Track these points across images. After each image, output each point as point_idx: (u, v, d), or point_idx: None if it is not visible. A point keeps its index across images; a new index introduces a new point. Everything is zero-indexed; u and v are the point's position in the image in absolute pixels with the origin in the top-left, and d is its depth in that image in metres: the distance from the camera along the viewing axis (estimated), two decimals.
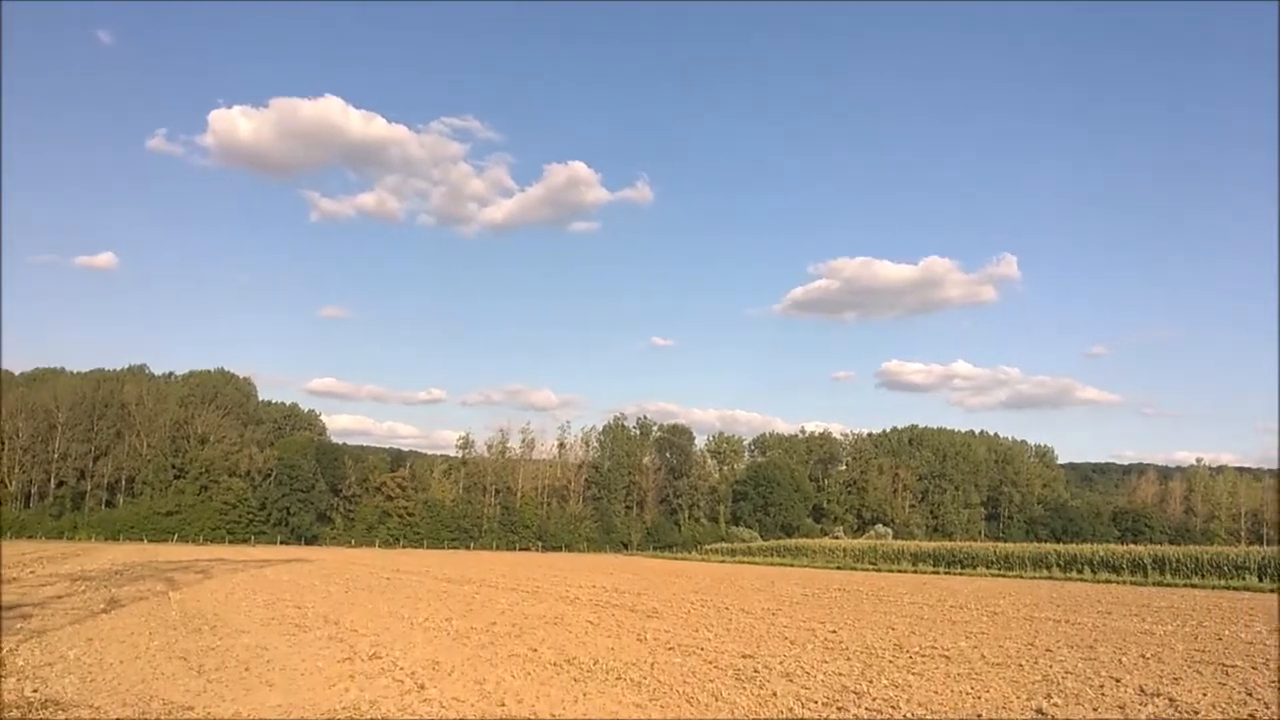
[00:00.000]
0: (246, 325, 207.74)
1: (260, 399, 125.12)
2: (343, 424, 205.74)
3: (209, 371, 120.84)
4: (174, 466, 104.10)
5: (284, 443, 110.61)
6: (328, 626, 17.56)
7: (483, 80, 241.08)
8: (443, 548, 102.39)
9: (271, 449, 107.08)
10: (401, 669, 12.33)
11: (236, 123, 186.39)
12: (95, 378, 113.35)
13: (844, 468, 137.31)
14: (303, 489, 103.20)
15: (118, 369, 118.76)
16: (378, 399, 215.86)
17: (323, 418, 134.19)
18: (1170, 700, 10.68)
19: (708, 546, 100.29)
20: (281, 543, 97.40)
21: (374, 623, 18.33)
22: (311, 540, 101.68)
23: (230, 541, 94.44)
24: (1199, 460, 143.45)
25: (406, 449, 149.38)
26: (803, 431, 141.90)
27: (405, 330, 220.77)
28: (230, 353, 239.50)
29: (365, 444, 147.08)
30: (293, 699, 10.38)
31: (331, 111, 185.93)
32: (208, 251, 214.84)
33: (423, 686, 11.04)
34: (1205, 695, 11.03)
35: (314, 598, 24.88)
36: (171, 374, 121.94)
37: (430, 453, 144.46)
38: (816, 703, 10.33)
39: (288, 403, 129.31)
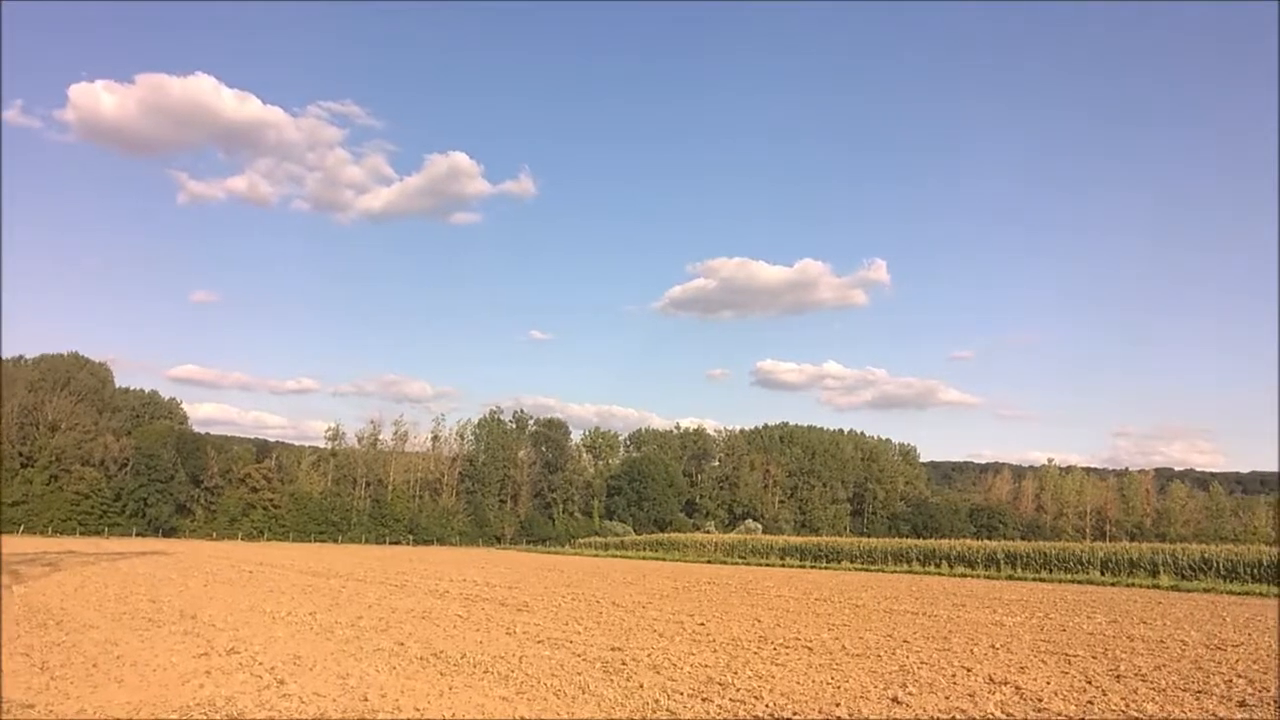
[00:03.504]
0: (105, 308, 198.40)
1: (118, 385, 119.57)
2: (206, 413, 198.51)
3: (61, 355, 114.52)
4: (21, 454, 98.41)
5: (142, 431, 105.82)
6: (184, 621, 16.93)
7: (364, 65, 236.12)
8: (310, 541, 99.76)
9: (129, 438, 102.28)
10: (261, 664, 11.98)
11: (99, 98, 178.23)
12: None
13: (717, 463, 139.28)
14: (161, 479, 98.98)
15: None
16: (244, 388, 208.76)
17: (185, 406, 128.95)
18: (1016, 688, 11.19)
19: (581, 540, 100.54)
20: (138, 535, 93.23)
21: (233, 617, 17.76)
22: (170, 533, 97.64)
23: (82, 534, 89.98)
24: (1050, 460, 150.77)
25: (273, 439, 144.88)
26: (678, 427, 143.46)
27: (276, 318, 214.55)
28: (86, 337, 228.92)
29: (229, 434, 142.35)
30: (143, 696, 9.97)
31: (203, 90, 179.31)
32: (65, 230, 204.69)
33: (283, 682, 10.75)
34: (1049, 683, 11.59)
35: (170, 591, 23.95)
36: (21, 357, 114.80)
37: (298, 444, 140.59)
38: (682, 694, 10.46)
39: (147, 390, 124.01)
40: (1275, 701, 10.58)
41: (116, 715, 9.09)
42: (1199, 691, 11.17)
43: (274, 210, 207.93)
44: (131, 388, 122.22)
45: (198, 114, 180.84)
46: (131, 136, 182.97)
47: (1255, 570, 38.50)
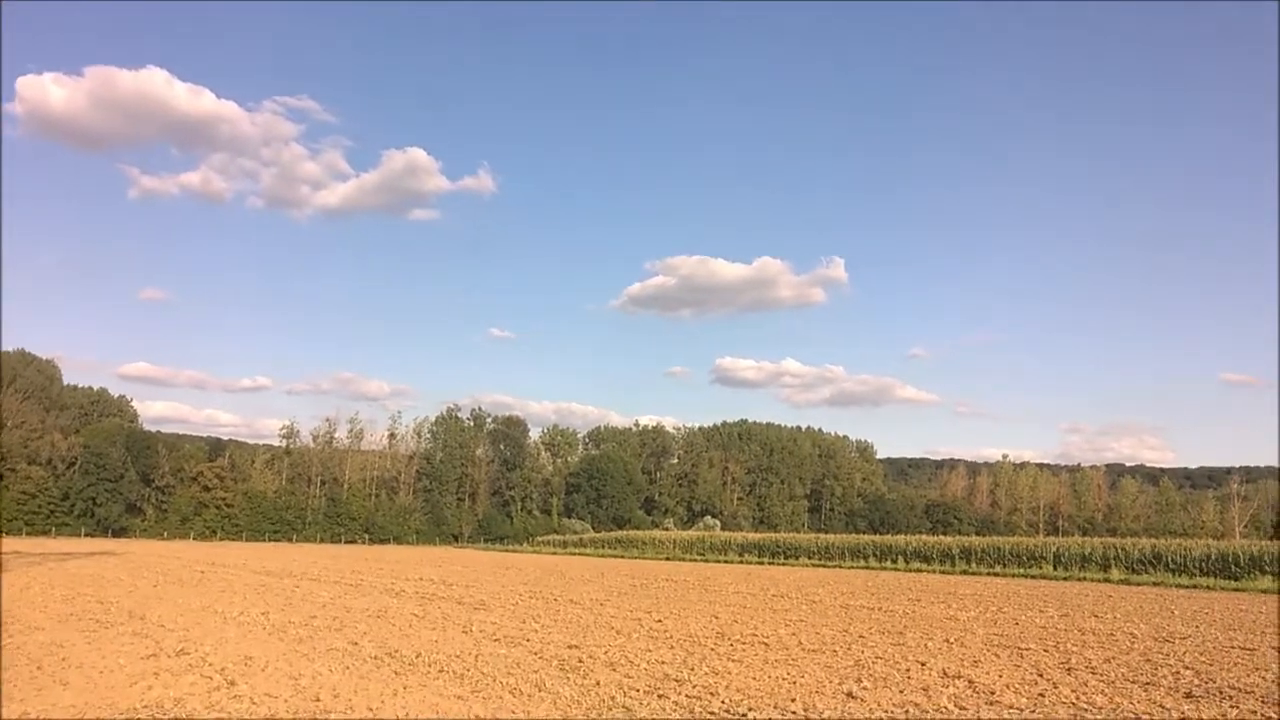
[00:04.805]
0: (53, 305, 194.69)
1: (65, 383, 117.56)
2: (158, 411, 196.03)
3: (8, 353, 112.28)
4: None
5: (91, 429, 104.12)
6: (132, 622, 16.63)
7: (321, 60, 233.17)
8: (263, 540, 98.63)
9: (77, 436, 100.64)
10: (211, 665, 11.79)
11: (48, 90, 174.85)
12: None
13: (676, 461, 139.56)
14: (111, 478, 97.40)
15: None
16: (197, 385, 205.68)
17: (135, 404, 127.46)
18: (969, 682, 11.28)
19: (539, 538, 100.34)
20: (86, 535, 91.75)
21: (184, 618, 17.48)
22: (120, 533, 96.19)
23: (28, 534, 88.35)
24: (1004, 456, 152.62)
25: (226, 438, 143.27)
26: (636, 425, 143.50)
27: (230, 315, 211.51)
28: (33, 333, 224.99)
29: (182, 432, 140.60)
30: (89, 698, 9.76)
31: (154, 84, 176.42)
32: (12, 225, 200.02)
33: (233, 683, 10.58)
34: (1001, 677, 11.71)
35: (119, 592, 23.53)
36: None
37: (252, 442, 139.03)
38: (639, 691, 10.44)
39: (96, 388, 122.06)
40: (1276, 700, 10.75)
41: (61, 718, 8.90)
42: (1147, 683, 11.34)
43: (228, 206, 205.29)
44: (80, 385, 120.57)
45: (149, 108, 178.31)
46: (81, 130, 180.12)
47: (1203, 564, 39.26)
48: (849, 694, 10.41)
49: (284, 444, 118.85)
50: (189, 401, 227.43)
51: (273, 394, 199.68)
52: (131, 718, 8.87)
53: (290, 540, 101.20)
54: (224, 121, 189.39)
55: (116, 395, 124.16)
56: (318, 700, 9.70)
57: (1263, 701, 10.23)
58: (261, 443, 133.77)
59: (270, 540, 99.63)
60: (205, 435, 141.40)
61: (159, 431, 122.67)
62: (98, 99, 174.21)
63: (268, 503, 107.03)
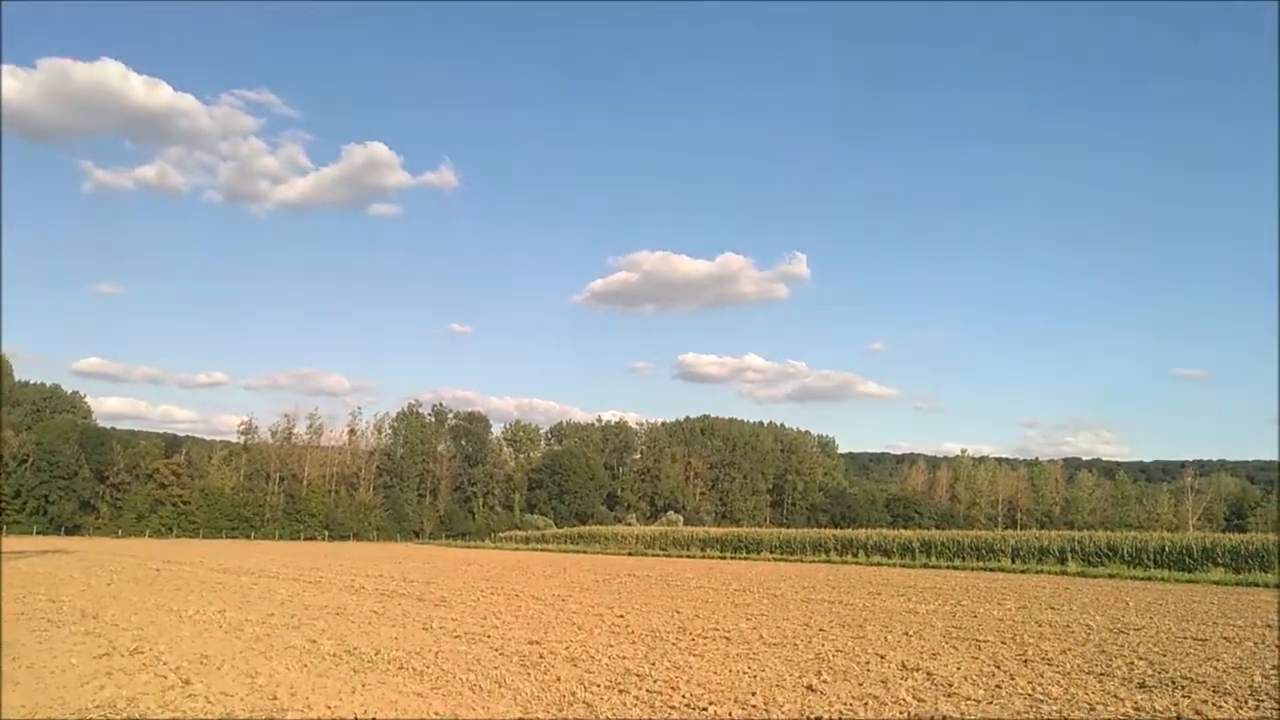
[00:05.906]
0: (4, 299, 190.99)
1: (17, 379, 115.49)
2: (112, 407, 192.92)
3: None
4: None
5: (43, 426, 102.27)
6: (85, 621, 16.35)
7: (281, 53, 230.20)
8: (221, 538, 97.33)
9: (29, 433, 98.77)
10: (165, 664, 11.61)
11: None
12: None
13: (638, 456, 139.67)
14: (64, 476, 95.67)
15: None
16: (153, 381, 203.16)
17: (89, 400, 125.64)
18: (928, 674, 11.38)
19: (502, 534, 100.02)
20: (38, 533, 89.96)
21: (138, 616, 17.21)
22: (73, 530, 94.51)
23: None
24: (963, 451, 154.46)
25: (183, 434, 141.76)
26: (599, 420, 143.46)
27: (186, 310, 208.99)
28: None
29: (137, 428, 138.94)
30: (39, 699, 9.58)
31: (109, 76, 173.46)
32: None
33: (188, 682, 10.43)
34: (959, 669, 11.82)
35: (71, 591, 23.15)
36: None
37: (209, 438, 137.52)
38: (600, 686, 10.41)
39: (49, 384, 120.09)
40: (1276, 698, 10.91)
41: (11, 719, 8.73)
42: (1101, 674, 11.49)
43: (185, 200, 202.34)
44: (32, 381, 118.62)
45: (104, 100, 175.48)
46: (34, 122, 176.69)
47: (1158, 556, 39.88)
48: (809, 687, 10.45)
49: (242, 440, 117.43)
50: (144, 397, 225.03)
51: (230, 390, 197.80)
52: (84, 718, 8.71)
53: (248, 537, 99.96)
54: (181, 115, 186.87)
55: (69, 391, 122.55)
56: (275, 699, 9.59)
57: (1214, 691, 10.40)
58: (219, 439, 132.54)
59: (228, 537, 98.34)
60: (161, 432, 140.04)
61: (113, 428, 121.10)
62: (51, 91, 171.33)
63: (225, 499, 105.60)
